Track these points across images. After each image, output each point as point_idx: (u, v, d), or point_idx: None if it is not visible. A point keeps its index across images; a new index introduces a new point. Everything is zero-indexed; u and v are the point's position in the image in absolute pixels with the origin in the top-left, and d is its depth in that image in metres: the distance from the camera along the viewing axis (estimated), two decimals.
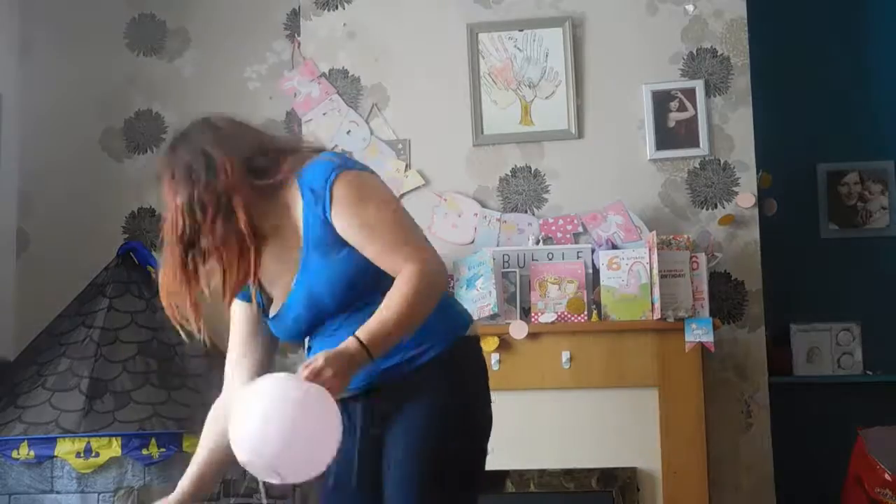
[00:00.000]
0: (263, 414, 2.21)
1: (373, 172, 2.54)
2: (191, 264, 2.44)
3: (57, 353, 4.26)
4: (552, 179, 4.55)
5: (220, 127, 2.52)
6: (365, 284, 2.45)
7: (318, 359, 2.27)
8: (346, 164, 2.51)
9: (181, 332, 2.50)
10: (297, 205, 2.47)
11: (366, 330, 2.33)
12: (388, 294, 2.37)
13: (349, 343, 2.31)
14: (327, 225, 2.44)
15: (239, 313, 2.63)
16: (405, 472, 2.45)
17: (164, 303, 2.50)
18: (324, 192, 2.43)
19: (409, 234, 2.45)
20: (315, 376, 2.24)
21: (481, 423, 2.55)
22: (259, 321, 2.62)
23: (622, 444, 4.13)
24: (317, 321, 2.52)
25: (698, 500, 4.05)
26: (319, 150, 2.57)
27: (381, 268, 2.42)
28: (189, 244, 2.43)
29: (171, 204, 2.45)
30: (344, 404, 2.42)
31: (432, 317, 2.40)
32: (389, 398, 2.49)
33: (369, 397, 2.51)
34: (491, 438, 2.62)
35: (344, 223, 2.43)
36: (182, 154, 2.46)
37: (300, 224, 2.48)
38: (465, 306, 2.76)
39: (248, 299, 2.61)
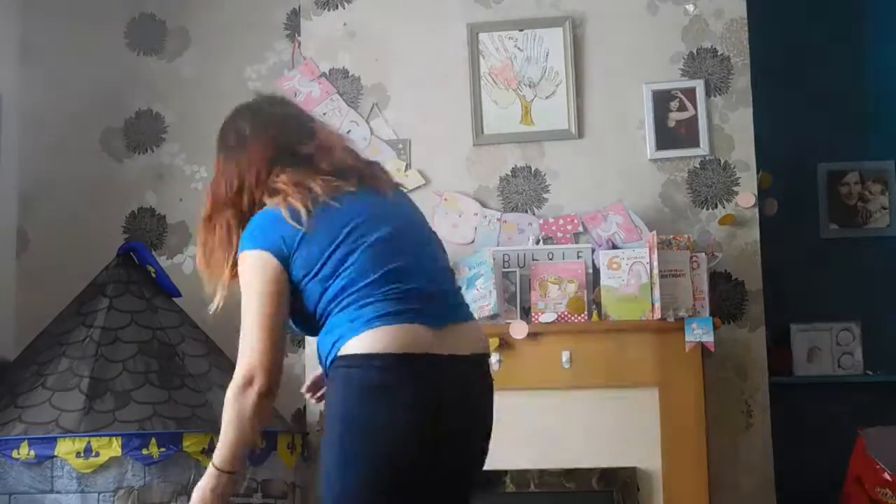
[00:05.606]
0: None
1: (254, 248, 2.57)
2: None
3: (57, 352, 4.25)
4: (552, 179, 4.55)
5: None
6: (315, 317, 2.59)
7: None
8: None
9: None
10: None
11: (217, 456, 2.54)
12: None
13: (209, 470, 2.55)
14: None
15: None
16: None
17: None
18: None
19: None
20: None
21: (350, 448, 2.46)
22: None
23: (622, 444, 4.13)
24: None
25: (698, 500, 4.05)
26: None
27: None
28: None
29: None
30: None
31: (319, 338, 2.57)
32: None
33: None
34: (491, 438, 2.62)
35: None
36: None
37: None
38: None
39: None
